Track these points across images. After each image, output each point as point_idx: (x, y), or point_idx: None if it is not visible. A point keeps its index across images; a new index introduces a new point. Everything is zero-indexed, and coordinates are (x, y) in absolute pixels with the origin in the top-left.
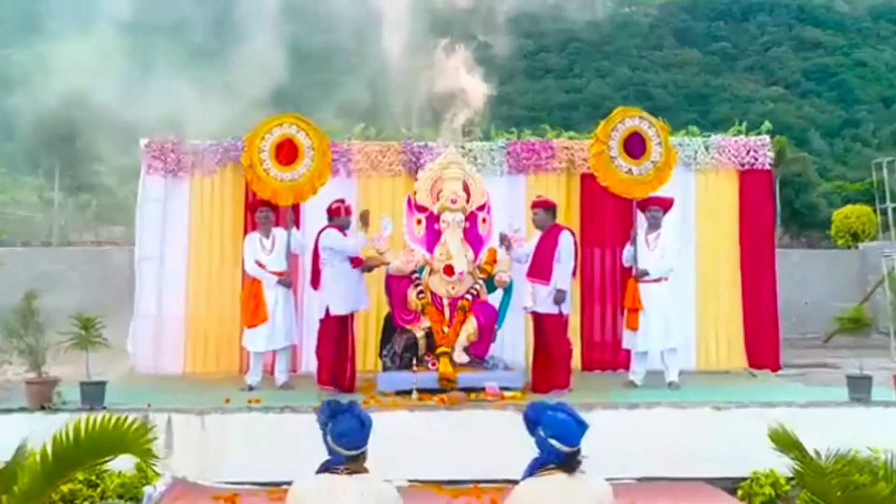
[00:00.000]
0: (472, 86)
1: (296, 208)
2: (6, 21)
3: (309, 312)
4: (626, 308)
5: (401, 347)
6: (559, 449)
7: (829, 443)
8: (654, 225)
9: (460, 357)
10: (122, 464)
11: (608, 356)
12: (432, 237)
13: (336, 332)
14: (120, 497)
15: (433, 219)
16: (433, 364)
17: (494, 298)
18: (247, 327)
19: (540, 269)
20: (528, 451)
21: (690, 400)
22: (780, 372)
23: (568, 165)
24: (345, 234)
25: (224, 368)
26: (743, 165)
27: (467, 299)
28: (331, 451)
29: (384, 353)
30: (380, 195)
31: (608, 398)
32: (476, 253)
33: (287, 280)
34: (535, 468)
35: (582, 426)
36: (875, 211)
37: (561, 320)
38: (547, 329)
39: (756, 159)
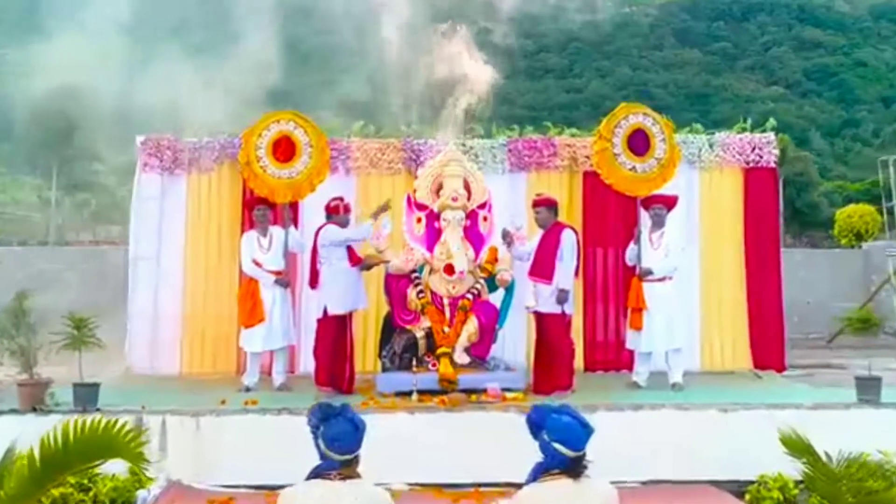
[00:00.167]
0: (474, 70)
1: (294, 206)
2: (2, 20)
3: (307, 312)
4: (629, 308)
5: (400, 348)
6: (564, 453)
7: (839, 445)
8: (657, 223)
9: (461, 358)
10: (115, 467)
11: (611, 356)
12: (432, 236)
13: (334, 332)
14: (112, 501)
15: (433, 217)
16: (433, 365)
17: (496, 298)
18: (244, 327)
19: (542, 268)
20: (531, 453)
21: (696, 401)
22: (785, 373)
23: (570, 163)
24: None
25: (221, 369)
26: (748, 163)
27: (468, 299)
28: (322, 456)
29: (383, 353)
30: (379, 193)
31: (612, 399)
32: (477, 252)
33: (285, 279)
34: (538, 473)
35: (587, 430)
36: (881, 210)
37: (564, 320)
38: (549, 329)
39: (761, 157)
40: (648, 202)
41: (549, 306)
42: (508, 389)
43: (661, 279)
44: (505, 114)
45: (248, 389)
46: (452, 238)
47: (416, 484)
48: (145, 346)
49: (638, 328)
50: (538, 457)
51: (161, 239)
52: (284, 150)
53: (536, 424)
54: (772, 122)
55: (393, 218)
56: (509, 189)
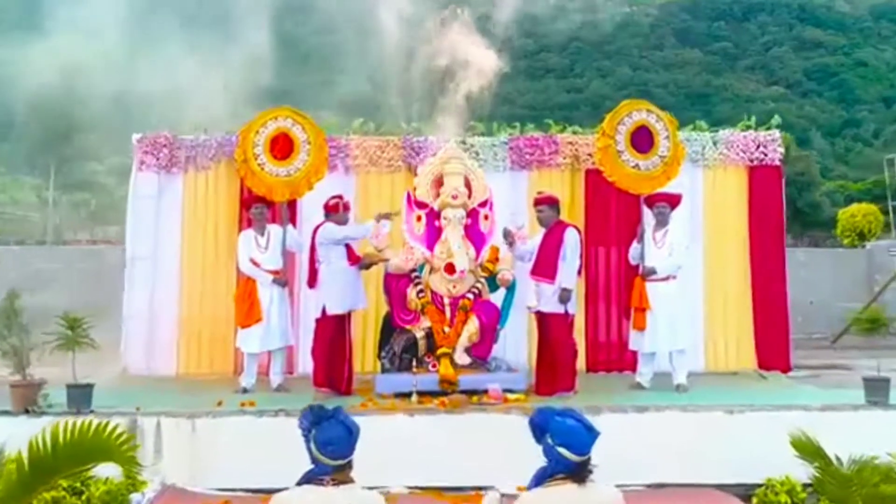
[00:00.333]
0: (476, 56)
1: (292, 205)
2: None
3: (305, 312)
4: (632, 308)
5: (400, 348)
6: (568, 458)
7: (847, 448)
8: (661, 222)
9: (462, 358)
10: (109, 470)
11: (613, 357)
12: (433, 234)
13: (333, 332)
14: None
15: (433, 215)
16: (433, 365)
17: (497, 297)
18: (241, 327)
19: (544, 267)
20: (533, 455)
21: (701, 403)
22: (790, 373)
23: (572, 161)
24: None
25: (218, 370)
26: (752, 161)
27: (469, 298)
28: (314, 461)
29: (383, 354)
30: (379, 191)
31: (615, 401)
32: (478, 250)
33: (282, 279)
34: (542, 478)
35: (592, 433)
36: (888, 210)
37: (567, 320)
38: (552, 329)
39: (765, 155)
40: (652, 200)
41: (552, 306)
42: (510, 391)
43: (665, 278)
44: (505, 113)
45: (245, 391)
46: (453, 237)
47: (416, 487)
48: (141, 346)
49: (641, 328)
50: (541, 460)
51: (157, 238)
52: (282, 147)
53: (540, 428)
54: (777, 118)
55: (393, 216)
56: (510, 187)
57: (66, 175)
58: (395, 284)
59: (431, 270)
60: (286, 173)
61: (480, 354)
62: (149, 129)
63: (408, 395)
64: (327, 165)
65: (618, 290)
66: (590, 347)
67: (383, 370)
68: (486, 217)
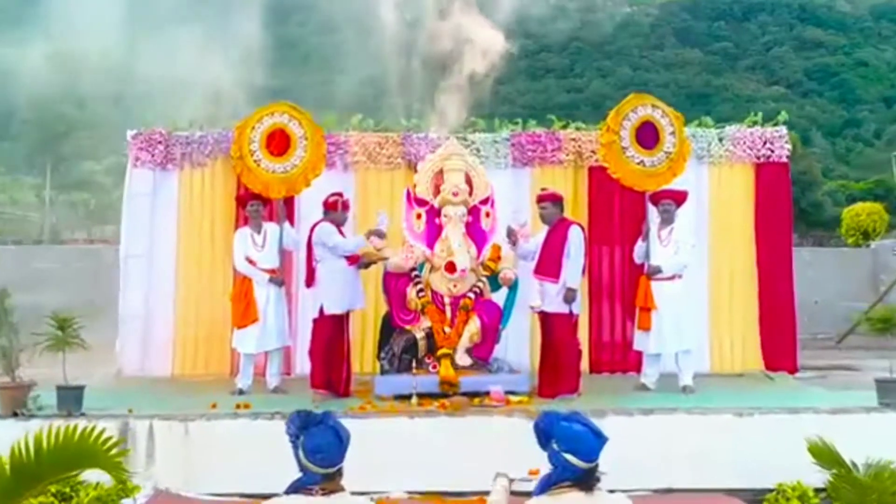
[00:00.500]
0: (479, 35)
1: (290, 202)
2: None
3: (303, 312)
4: (637, 307)
5: (399, 349)
6: (575, 464)
7: (861, 452)
8: (667, 219)
9: (463, 359)
10: (100, 474)
11: (617, 357)
12: (433, 232)
13: (331, 332)
14: None
15: (434, 213)
16: (434, 367)
17: (499, 297)
18: (237, 328)
19: (548, 265)
20: (538, 459)
21: (708, 405)
22: (797, 374)
23: (575, 158)
24: (340, 230)
25: (214, 371)
26: (758, 158)
27: (470, 298)
28: (303, 469)
29: (382, 354)
30: (378, 189)
31: (621, 403)
32: (479, 249)
33: (279, 278)
34: (547, 486)
35: (600, 439)
36: (893, 209)
37: (571, 320)
38: (556, 329)
39: (772, 151)
40: (657, 197)
41: (556, 306)
42: (512, 392)
43: (671, 277)
44: (506, 113)
45: (241, 392)
46: (454, 235)
47: (416, 492)
48: (136, 346)
49: (646, 329)
50: (546, 462)
51: (152, 236)
52: (279, 143)
53: (545, 433)
54: (784, 115)
55: (391, 214)
56: (512, 184)
57: (65, 174)
58: (395, 283)
59: (432, 269)
60: (283, 170)
61: (482, 355)
62: (146, 126)
63: (408, 397)
64: (325, 162)
65: (622, 289)
66: (593, 348)
67: (382, 371)
68: (487, 215)
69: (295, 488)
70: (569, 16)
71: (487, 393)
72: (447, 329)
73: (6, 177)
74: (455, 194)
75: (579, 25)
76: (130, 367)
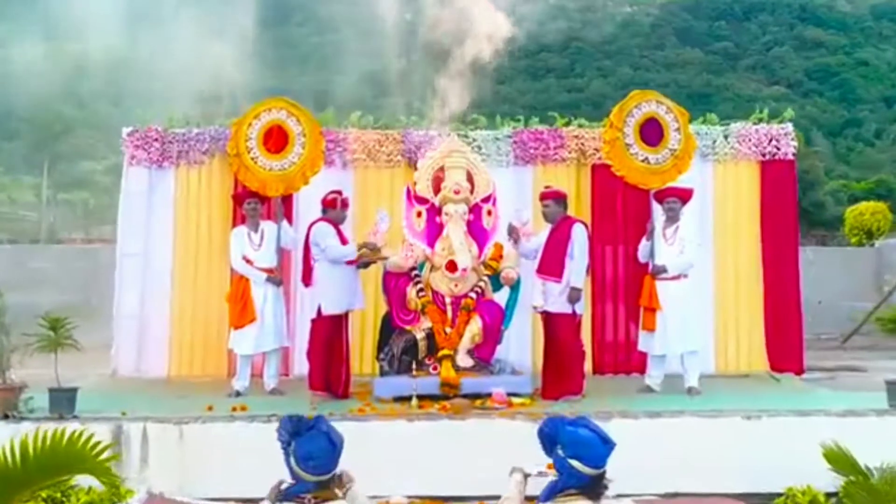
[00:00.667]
0: (483, 17)
1: (288, 200)
2: None
3: (301, 312)
4: (641, 307)
5: (399, 350)
6: (581, 471)
7: (874, 456)
8: (671, 218)
9: (464, 360)
10: (92, 479)
11: (621, 358)
12: (433, 231)
13: (329, 333)
14: None
15: (434, 211)
16: (434, 368)
17: (500, 297)
18: (234, 328)
19: (551, 265)
20: (541, 462)
21: (715, 407)
22: (803, 376)
23: (578, 155)
24: (339, 230)
25: (211, 372)
26: (764, 155)
27: (471, 298)
28: (294, 476)
29: (381, 355)
30: (377, 186)
31: (625, 405)
32: (481, 248)
33: (277, 277)
34: (552, 493)
35: (608, 445)
36: (892, 208)
37: (574, 321)
38: (559, 330)
39: (778, 149)
40: (662, 195)
41: (559, 306)
42: (515, 394)
43: (676, 277)
44: (506, 113)
45: (238, 394)
46: (455, 233)
47: (416, 496)
48: (132, 347)
49: (651, 329)
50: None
51: (148, 235)
52: (276, 140)
53: (550, 438)
54: (790, 111)
55: (391, 213)
56: (514, 182)
57: (63, 174)
58: (395, 283)
59: (432, 268)
60: (280, 167)
61: (483, 356)
62: (144, 125)
63: (407, 398)
64: (323, 159)
65: (626, 289)
66: (597, 348)
67: (382, 373)
68: (489, 213)
69: (286, 497)
70: (569, 15)
71: (489, 395)
72: (448, 329)
73: (4, 176)
74: (456, 192)
75: (580, 25)
76: (126, 367)
